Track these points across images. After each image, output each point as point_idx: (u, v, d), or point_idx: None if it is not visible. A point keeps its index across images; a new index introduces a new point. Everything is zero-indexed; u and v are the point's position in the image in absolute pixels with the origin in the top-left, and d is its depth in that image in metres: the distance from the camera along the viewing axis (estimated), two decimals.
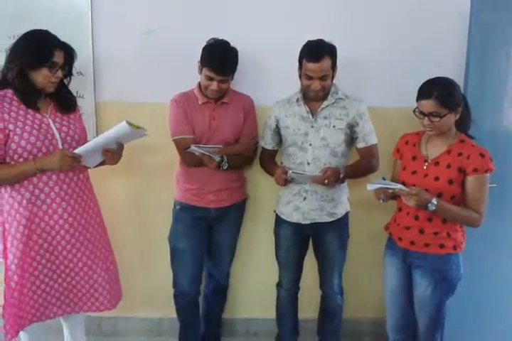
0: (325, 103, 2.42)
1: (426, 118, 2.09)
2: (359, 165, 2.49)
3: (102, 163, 2.32)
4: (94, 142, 2.14)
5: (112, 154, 2.24)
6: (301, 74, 2.37)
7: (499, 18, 2.52)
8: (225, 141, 2.51)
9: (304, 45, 2.36)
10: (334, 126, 2.41)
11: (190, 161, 2.51)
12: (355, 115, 2.42)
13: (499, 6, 2.52)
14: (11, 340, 2.15)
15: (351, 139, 2.48)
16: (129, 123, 2.10)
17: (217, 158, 2.42)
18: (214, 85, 2.40)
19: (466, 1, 2.54)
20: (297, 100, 2.46)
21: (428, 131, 2.14)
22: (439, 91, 2.05)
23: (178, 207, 2.63)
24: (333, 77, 2.39)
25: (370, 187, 2.12)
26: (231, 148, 2.52)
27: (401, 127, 2.47)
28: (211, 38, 2.44)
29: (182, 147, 2.48)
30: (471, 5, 2.53)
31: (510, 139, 2.67)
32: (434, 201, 2.04)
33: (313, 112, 2.44)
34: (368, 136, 2.46)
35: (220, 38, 2.43)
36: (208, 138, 2.51)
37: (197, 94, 2.52)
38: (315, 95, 2.39)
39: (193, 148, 2.37)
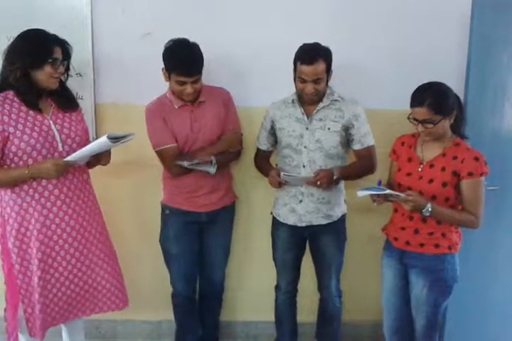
0: (320, 105, 2.39)
1: (420, 124, 2.08)
2: (354, 167, 2.46)
3: (94, 163, 2.31)
4: (81, 152, 2.10)
5: (100, 157, 2.24)
6: (295, 77, 2.34)
7: (500, 20, 2.51)
8: (209, 141, 2.44)
9: (299, 48, 2.33)
10: (329, 129, 2.39)
11: (176, 172, 2.43)
12: (350, 117, 2.40)
13: (500, 8, 2.51)
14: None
15: (347, 141, 2.45)
16: (110, 137, 2.04)
17: (213, 170, 2.34)
18: (188, 88, 2.30)
19: (467, 2, 2.53)
20: (292, 101, 2.44)
21: (424, 137, 2.14)
22: (431, 99, 2.03)
23: (167, 211, 2.57)
24: (327, 81, 2.36)
25: (360, 194, 2.09)
26: (217, 146, 2.43)
27: (401, 130, 2.43)
28: (169, 40, 2.31)
29: (166, 157, 2.40)
30: (472, 7, 2.52)
31: (511, 141, 2.65)
32: (429, 207, 2.03)
33: (308, 114, 2.41)
34: (364, 137, 2.43)
35: (177, 38, 2.31)
36: (192, 140, 2.43)
37: (171, 99, 2.41)
38: (309, 99, 2.37)
39: (184, 163, 2.31)
